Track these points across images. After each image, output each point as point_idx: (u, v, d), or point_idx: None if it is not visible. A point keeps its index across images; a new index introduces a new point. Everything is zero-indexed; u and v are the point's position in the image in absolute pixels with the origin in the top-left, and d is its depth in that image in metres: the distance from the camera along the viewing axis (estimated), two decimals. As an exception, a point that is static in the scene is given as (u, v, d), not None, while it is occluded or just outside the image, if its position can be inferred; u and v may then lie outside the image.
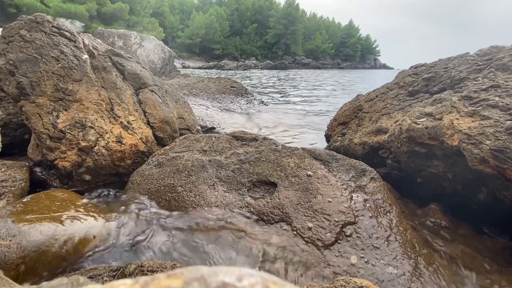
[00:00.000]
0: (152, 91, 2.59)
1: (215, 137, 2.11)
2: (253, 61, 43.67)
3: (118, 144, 2.12)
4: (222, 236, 1.48)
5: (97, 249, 1.38)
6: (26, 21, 2.03)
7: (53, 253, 1.22)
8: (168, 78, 8.23)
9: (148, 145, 2.30)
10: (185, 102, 3.25)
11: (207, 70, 28.07)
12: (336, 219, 1.54)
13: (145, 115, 2.43)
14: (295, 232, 1.49)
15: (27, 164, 1.99)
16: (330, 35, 63.94)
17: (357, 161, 1.93)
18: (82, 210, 1.49)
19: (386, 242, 1.48)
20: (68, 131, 1.96)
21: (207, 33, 45.96)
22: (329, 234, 1.48)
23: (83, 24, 22.22)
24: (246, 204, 1.63)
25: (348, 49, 68.21)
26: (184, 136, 2.25)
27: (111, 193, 2.04)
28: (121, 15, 26.48)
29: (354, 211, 1.59)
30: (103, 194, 2.02)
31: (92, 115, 2.06)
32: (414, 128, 1.77)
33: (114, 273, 1.17)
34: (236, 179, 1.76)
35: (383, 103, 2.63)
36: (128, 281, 0.26)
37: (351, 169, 1.85)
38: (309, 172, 1.75)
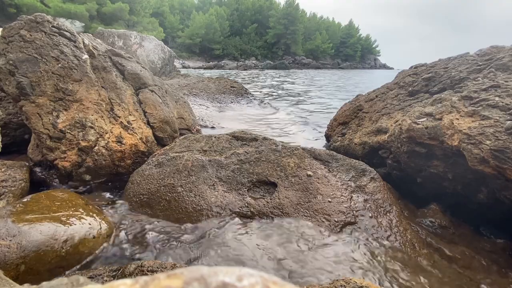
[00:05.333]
0: (152, 91, 2.59)
1: (215, 137, 2.11)
2: (253, 61, 43.67)
3: (118, 144, 2.12)
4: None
5: (97, 249, 1.38)
6: (26, 21, 2.03)
7: (53, 253, 1.22)
8: (168, 78, 8.24)
9: (148, 145, 2.30)
10: (185, 102, 3.25)
11: (207, 70, 28.07)
12: (336, 219, 1.54)
13: (145, 115, 2.43)
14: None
15: (27, 164, 1.99)
16: (330, 35, 63.93)
17: (357, 161, 1.93)
18: (82, 210, 1.49)
19: (386, 242, 1.48)
20: (68, 131, 1.96)
21: (207, 33, 45.96)
22: (329, 234, 1.48)
23: (83, 24, 22.21)
24: (246, 204, 1.63)
25: (348, 49, 68.22)
26: (184, 136, 2.25)
27: (111, 193, 2.04)
28: (121, 15, 26.48)
29: (354, 211, 1.59)
30: (103, 194, 2.02)
31: (92, 115, 2.06)
32: (414, 128, 1.77)
33: (114, 273, 1.17)
34: (236, 179, 1.76)
35: (383, 103, 2.63)
36: (128, 281, 0.26)
37: (351, 169, 1.85)
38: (309, 172, 1.75)
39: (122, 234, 1.55)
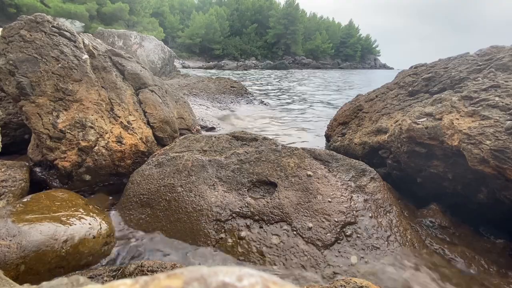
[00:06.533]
0: (152, 91, 2.59)
1: (215, 137, 2.11)
2: (253, 61, 43.65)
3: (118, 144, 2.12)
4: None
5: (97, 249, 1.38)
6: (26, 21, 2.03)
7: (53, 253, 1.22)
8: (168, 78, 8.24)
9: (148, 145, 2.30)
10: (185, 102, 3.25)
11: (207, 70, 28.08)
12: (336, 219, 1.54)
13: (145, 115, 2.43)
14: (295, 232, 1.49)
15: (27, 164, 1.99)
16: (330, 35, 63.89)
17: (357, 161, 1.93)
18: (82, 210, 1.49)
19: (386, 242, 1.48)
20: (68, 131, 1.96)
21: (207, 33, 45.95)
22: (329, 234, 1.48)
23: (83, 24, 22.20)
24: (246, 204, 1.63)
25: (348, 49, 68.22)
26: (184, 136, 2.25)
27: (111, 193, 2.04)
28: (121, 15, 26.48)
29: (354, 211, 1.59)
30: (103, 194, 2.02)
31: (92, 115, 2.06)
32: (414, 128, 1.77)
33: (114, 273, 1.17)
34: (236, 179, 1.76)
35: (383, 103, 2.63)
36: (128, 281, 0.26)
37: (351, 169, 1.85)
38: (309, 172, 1.75)
39: (122, 234, 1.55)
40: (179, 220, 1.61)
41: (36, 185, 1.95)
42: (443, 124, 1.63)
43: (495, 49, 2.07)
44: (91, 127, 2.03)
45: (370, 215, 1.59)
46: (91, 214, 1.49)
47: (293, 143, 3.52)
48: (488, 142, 1.37)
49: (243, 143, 2.04)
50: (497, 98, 1.51)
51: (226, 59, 44.89)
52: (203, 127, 3.80)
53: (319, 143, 3.54)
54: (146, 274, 1.09)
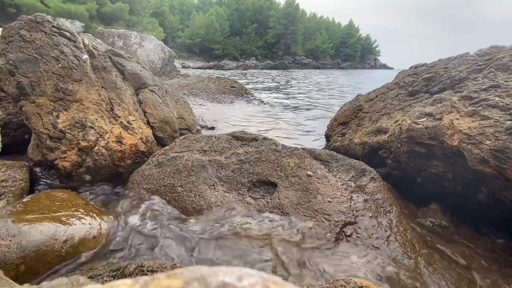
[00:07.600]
0: (152, 91, 2.59)
1: (215, 137, 2.11)
2: (253, 61, 43.66)
3: (118, 144, 2.12)
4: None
5: (96, 249, 1.38)
6: (26, 21, 2.03)
7: (53, 253, 1.22)
8: (168, 78, 8.24)
9: (148, 145, 2.30)
10: (185, 102, 3.25)
11: (207, 70, 28.09)
12: (336, 219, 1.54)
13: (145, 115, 2.43)
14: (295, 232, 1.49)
15: (27, 164, 1.99)
16: (330, 35, 63.91)
17: (357, 161, 1.93)
18: (82, 210, 1.49)
19: (386, 242, 1.48)
20: (68, 131, 1.96)
21: (207, 33, 45.98)
22: (329, 234, 1.48)
23: (83, 24, 22.21)
24: (246, 204, 1.63)
25: (348, 49, 68.25)
26: (184, 136, 2.25)
27: (111, 193, 2.04)
28: (121, 15, 26.50)
29: (354, 211, 1.59)
30: (103, 194, 2.02)
31: (92, 115, 2.06)
32: (414, 128, 1.77)
33: (114, 273, 1.17)
34: (236, 179, 1.76)
35: (383, 103, 2.63)
36: (128, 281, 0.26)
37: (351, 169, 1.85)
38: (309, 172, 1.75)
39: (122, 234, 1.55)
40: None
41: (36, 185, 1.95)
42: (443, 124, 1.63)
43: (495, 49, 2.07)
44: (91, 127, 2.03)
45: (370, 215, 1.59)
46: (91, 214, 1.49)
47: (293, 143, 3.52)
48: (488, 142, 1.37)
49: (243, 143, 2.04)
50: (497, 98, 1.51)
51: (226, 59, 44.89)
52: (203, 127, 3.81)
53: (319, 143, 3.54)
54: (146, 274, 1.09)
